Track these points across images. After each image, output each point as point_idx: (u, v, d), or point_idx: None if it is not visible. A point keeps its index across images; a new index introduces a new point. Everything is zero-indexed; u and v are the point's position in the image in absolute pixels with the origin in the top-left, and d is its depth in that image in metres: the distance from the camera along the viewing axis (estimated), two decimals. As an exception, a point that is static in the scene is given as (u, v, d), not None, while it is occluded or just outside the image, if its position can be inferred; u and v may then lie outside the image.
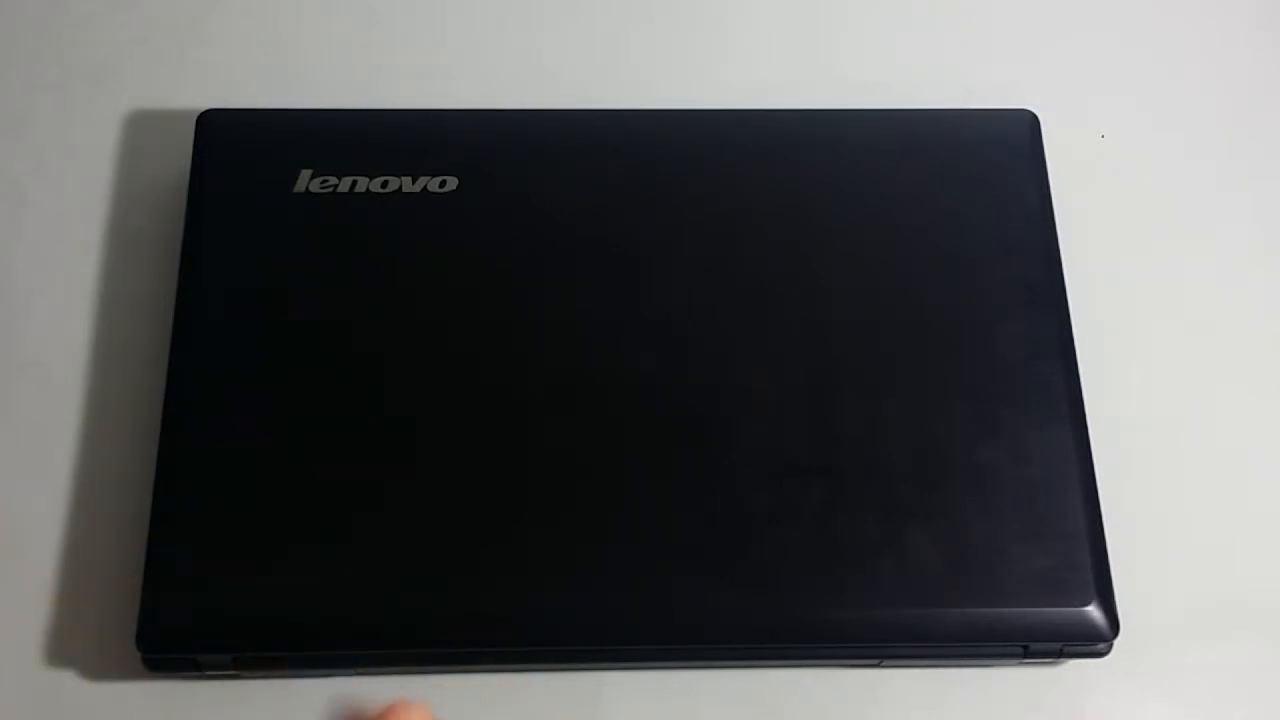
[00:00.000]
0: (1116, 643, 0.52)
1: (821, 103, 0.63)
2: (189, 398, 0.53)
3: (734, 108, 0.61)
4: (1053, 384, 0.54)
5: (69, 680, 0.53)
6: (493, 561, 0.51)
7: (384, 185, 0.56)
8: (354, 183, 0.56)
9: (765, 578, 0.51)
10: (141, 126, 0.62)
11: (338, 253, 0.55)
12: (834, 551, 0.51)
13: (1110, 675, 0.54)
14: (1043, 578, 0.51)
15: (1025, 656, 0.52)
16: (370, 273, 0.55)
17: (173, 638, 0.50)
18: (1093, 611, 0.51)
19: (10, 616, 0.54)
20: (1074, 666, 0.54)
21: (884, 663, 0.54)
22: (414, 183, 0.57)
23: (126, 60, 0.64)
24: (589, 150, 0.58)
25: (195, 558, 0.50)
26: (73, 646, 0.53)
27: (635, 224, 0.56)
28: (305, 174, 0.56)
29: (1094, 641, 0.52)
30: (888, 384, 0.54)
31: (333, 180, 0.56)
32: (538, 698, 0.53)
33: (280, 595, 0.50)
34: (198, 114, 0.58)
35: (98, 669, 0.53)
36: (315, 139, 0.57)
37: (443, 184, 0.57)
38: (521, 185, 0.57)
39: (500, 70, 0.64)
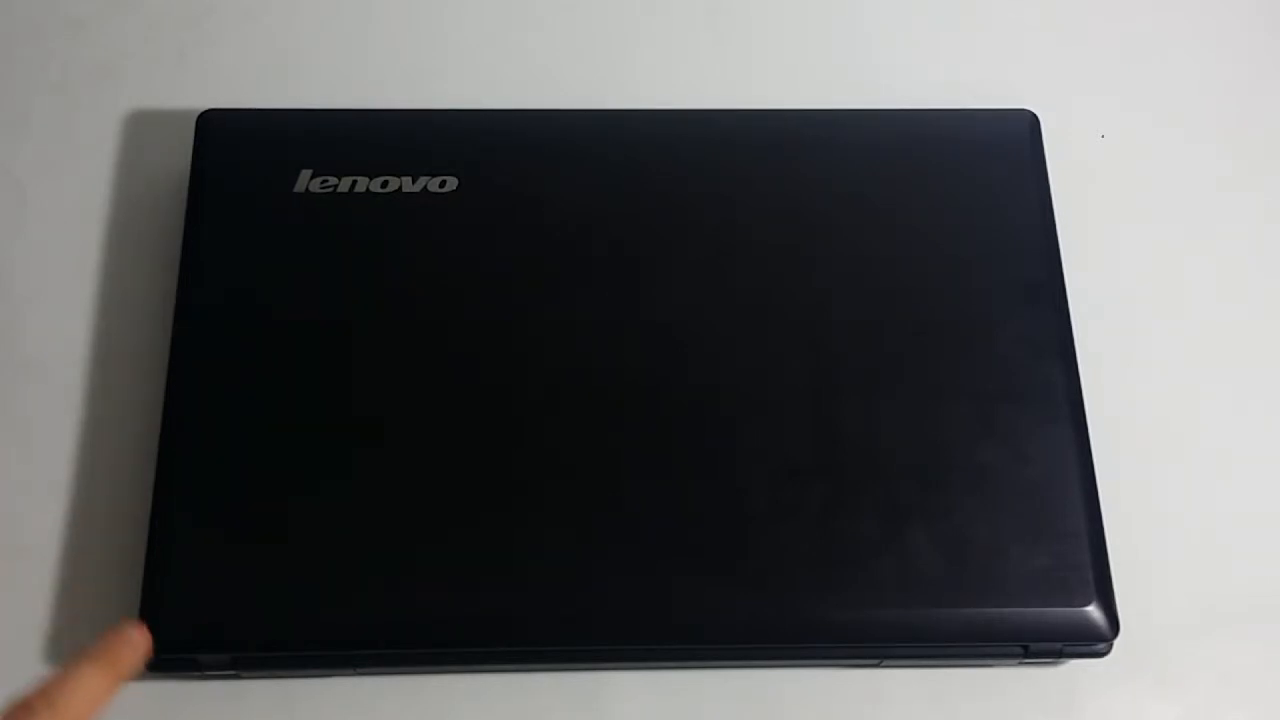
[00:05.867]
0: (1116, 643, 0.52)
1: (821, 103, 0.63)
2: (189, 398, 0.53)
3: (734, 108, 0.61)
4: (1053, 384, 0.54)
5: (69, 680, 0.53)
6: (493, 562, 0.51)
7: (384, 185, 0.56)
8: (354, 183, 0.56)
9: (765, 578, 0.51)
10: (141, 126, 0.62)
11: (338, 253, 0.55)
12: (834, 551, 0.51)
13: (1110, 675, 0.54)
14: (1043, 578, 0.51)
15: (1025, 656, 0.52)
16: (370, 272, 0.55)
17: (172, 638, 0.50)
18: (1093, 611, 0.51)
19: (10, 616, 0.54)
20: (1074, 666, 0.54)
21: (884, 663, 0.54)
22: (414, 183, 0.57)
23: (126, 60, 0.64)
24: (589, 150, 0.58)
25: (195, 558, 0.50)
26: (73, 646, 0.53)
27: (635, 224, 0.56)
28: (305, 174, 0.56)
29: (1094, 641, 0.52)
30: (888, 384, 0.54)
31: (333, 180, 0.56)
32: (538, 698, 0.53)
33: (280, 596, 0.50)
34: (198, 114, 0.58)
35: (98, 669, 0.53)
36: (315, 139, 0.57)
37: (443, 184, 0.57)
38: (521, 185, 0.57)
39: (500, 70, 0.64)
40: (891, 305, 0.55)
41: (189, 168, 0.57)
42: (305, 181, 0.56)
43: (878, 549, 0.51)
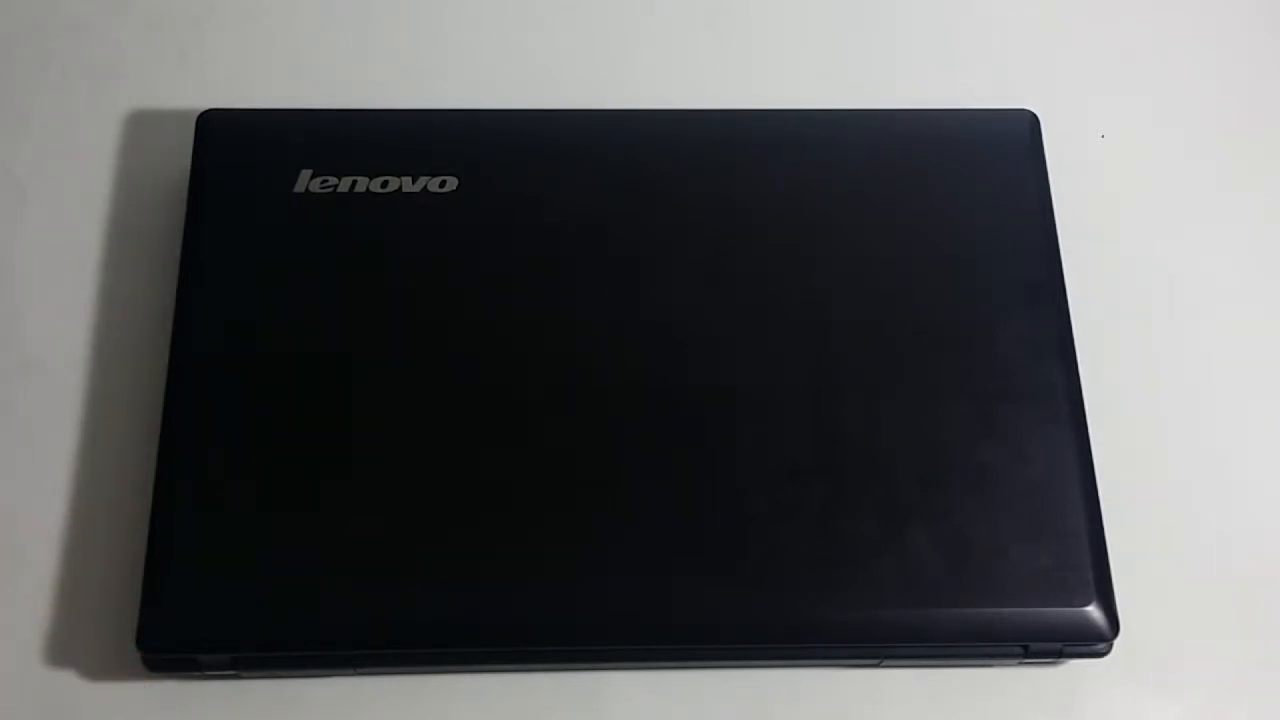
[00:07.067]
0: (1116, 643, 0.52)
1: (821, 103, 0.63)
2: (189, 398, 0.53)
3: (734, 108, 0.61)
4: (1053, 384, 0.54)
5: (69, 680, 0.53)
6: (493, 561, 0.51)
7: (384, 185, 0.56)
8: (354, 183, 0.56)
9: (765, 578, 0.51)
10: (141, 126, 0.62)
11: (338, 253, 0.55)
12: (834, 551, 0.51)
13: (1110, 675, 0.54)
14: (1043, 578, 0.51)
15: (1025, 656, 0.52)
16: (370, 272, 0.55)
17: (173, 638, 0.50)
18: (1093, 611, 0.51)
19: (10, 616, 0.54)
20: (1074, 666, 0.54)
21: (884, 663, 0.54)
22: (414, 183, 0.57)
23: (126, 60, 0.64)
24: (589, 150, 0.58)
25: (195, 558, 0.50)
26: (73, 646, 0.53)
27: (635, 224, 0.56)
28: (305, 174, 0.56)
29: (1094, 641, 0.52)
30: (888, 384, 0.54)
31: (333, 180, 0.56)
32: (538, 698, 0.53)
33: (280, 595, 0.50)
34: (198, 114, 0.58)
35: (98, 669, 0.53)
36: (315, 139, 0.57)
37: (443, 184, 0.57)
38: (521, 185, 0.57)
39: (500, 70, 0.64)
40: (891, 305, 0.55)
41: (189, 168, 0.57)
42: (305, 181, 0.56)
43: (878, 549, 0.51)
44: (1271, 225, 0.63)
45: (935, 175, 0.58)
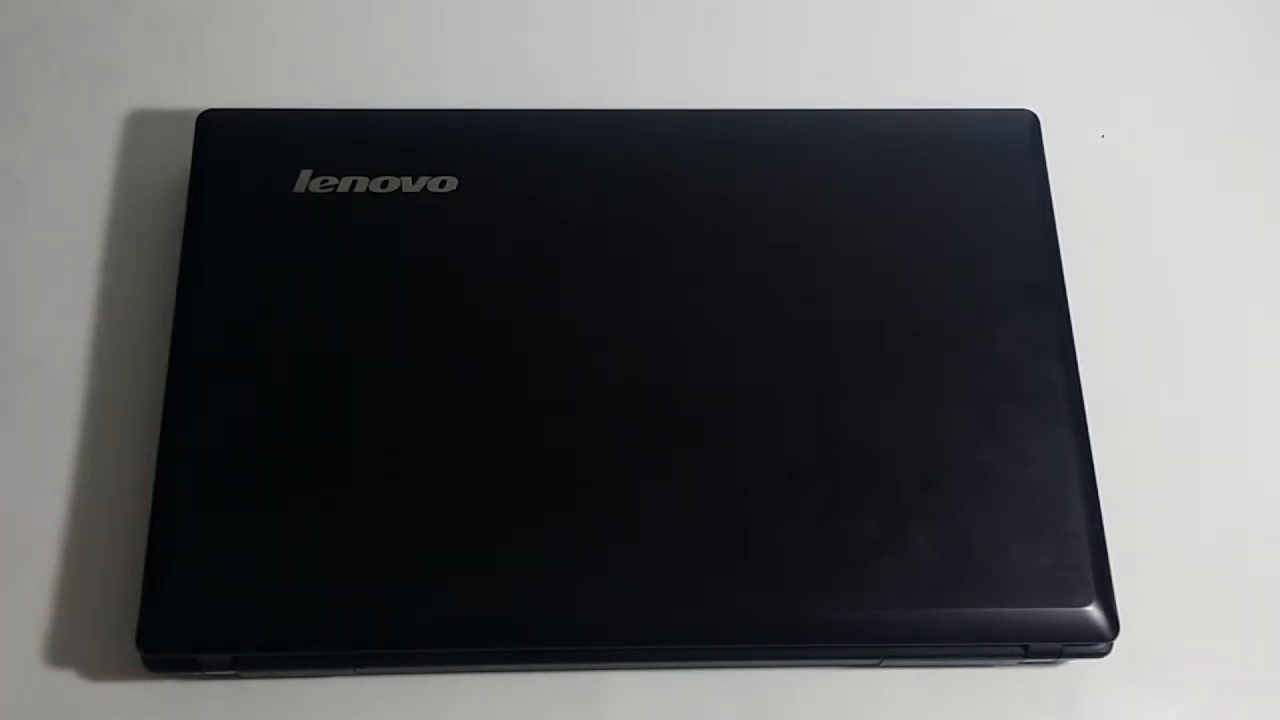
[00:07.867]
0: (1116, 643, 0.52)
1: (821, 103, 0.63)
2: (189, 398, 0.53)
3: (734, 108, 0.61)
4: (1053, 384, 0.54)
5: (69, 680, 0.53)
6: (493, 562, 0.51)
7: (384, 185, 0.56)
8: (354, 183, 0.56)
9: (765, 578, 0.51)
10: (141, 126, 0.62)
11: (338, 253, 0.55)
12: (834, 551, 0.51)
13: (1110, 675, 0.54)
14: (1043, 578, 0.51)
15: (1025, 656, 0.52)
16: (370, 272, 0.55)
17: (173, 638, 0.50)
18: (1093, 611, 0.51)
19: (10, 616, 0.54)
20: (1074, 666, 0.54)
21: (884, 663, 0.54)
22: (414, 183, 0.57)
23: (126, 60, 0.64)
24: (589, 150, 0.58)
25: (195, 558, 0.50)
26: (73, 646, 0.53)
27: (635, 224, 0.56)
28: (305, 174, 0.56)
29: (1094, 641, 0.52)
30: (888, 384, 0.54)
31: (333, 180, 0.56)
32: (538, 698, 0.53)
33: (280, 595, 0.50)
34: (198, 114, 0.58)
35: (98, 669, 0.53)
36: (315, 139, 0.57)
37: (443, 184, 0.57)
38: (521, 185, 0.57)
39: (500, 70, 0.64)
40: (891, 305, 0.55)
41: (189, 168, 0.57)
42: (305, 181, 0.56)
43: (878, 549, 0.51)
44: (1271, 225, 0.63)
45: (935, 175, 0.58)
